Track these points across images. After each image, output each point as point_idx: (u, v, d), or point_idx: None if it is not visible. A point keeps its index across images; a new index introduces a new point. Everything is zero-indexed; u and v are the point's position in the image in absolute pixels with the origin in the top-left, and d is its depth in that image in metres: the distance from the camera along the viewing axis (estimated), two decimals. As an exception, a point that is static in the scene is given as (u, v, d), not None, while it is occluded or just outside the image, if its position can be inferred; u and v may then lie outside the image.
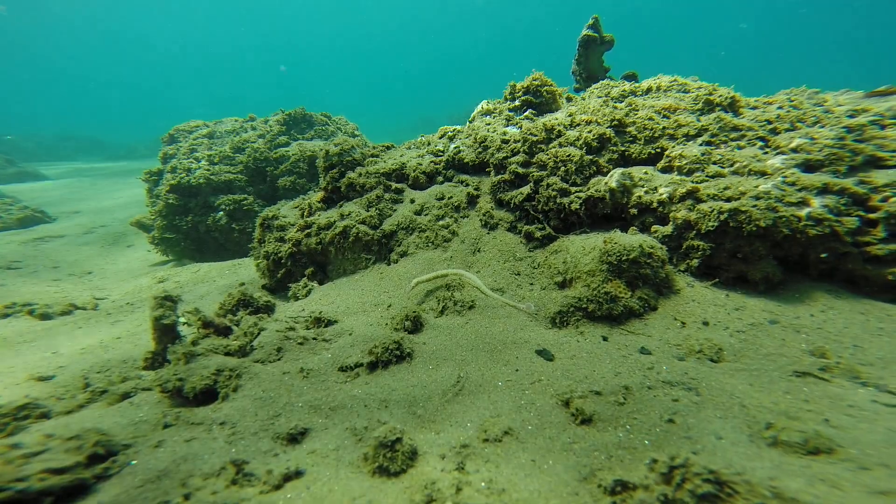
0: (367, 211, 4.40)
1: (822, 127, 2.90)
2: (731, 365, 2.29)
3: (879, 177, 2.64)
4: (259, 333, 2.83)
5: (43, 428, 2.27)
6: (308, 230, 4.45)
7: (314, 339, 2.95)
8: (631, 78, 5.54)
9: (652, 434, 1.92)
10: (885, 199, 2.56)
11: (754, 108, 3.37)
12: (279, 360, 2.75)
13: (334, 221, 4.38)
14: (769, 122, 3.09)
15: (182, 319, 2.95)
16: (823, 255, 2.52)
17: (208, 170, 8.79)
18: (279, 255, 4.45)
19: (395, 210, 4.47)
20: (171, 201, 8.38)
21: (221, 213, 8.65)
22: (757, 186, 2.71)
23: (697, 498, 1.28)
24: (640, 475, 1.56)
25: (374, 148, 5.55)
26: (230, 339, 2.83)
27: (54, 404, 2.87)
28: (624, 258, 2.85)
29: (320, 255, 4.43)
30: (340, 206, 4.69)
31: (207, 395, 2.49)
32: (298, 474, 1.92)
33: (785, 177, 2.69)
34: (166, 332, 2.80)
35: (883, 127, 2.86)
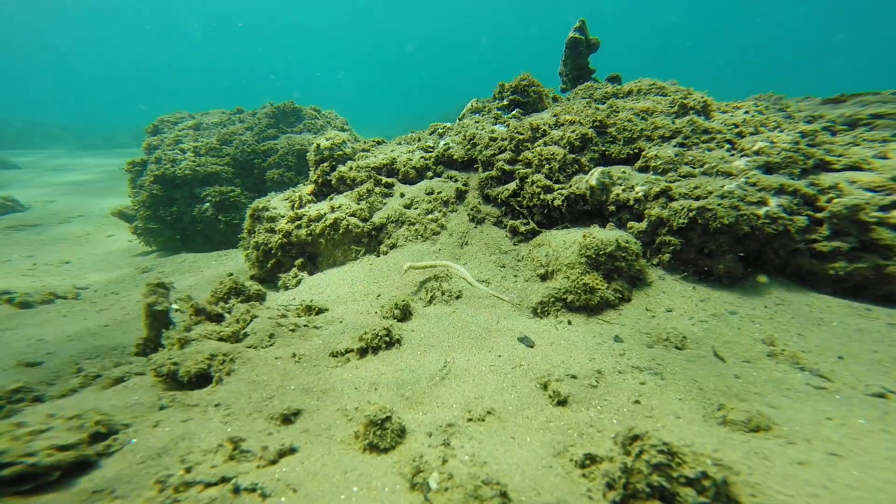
0: (358, 204, 4.50)
1: (782, 131, 3.13)
2: (693, 352, 2.49)
3: (826, 179, 2.88)
4: (252, 320, 2.92)
5: (38, 409, 2.32)
6: (298, 222, 4.52)
7: (305, 325, 3.05)
8: (615, 80, 5.74)
9: (619, 414, 2.10)
10: (829, 200, 2.79)
11: (724, 111, 3.59)
12: (271, 345, 2.84)
13: (325, 214, 4.46)
14: (736, 126, 3.31)
15: (175, 306, 3.01)
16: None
17: (194, 161, 8.71)
18: (269, 245, 4.52)
19: (385, 203, 4.57)
20: (155, 192, 8.28)
21: (207, 204, 8.59)
22: (723, 186, 2.92)
23: (652, 467, 1.44)
24: (606, 448, 1.73)
25: (364, 143, 5.63)
26: (223, 325, 2.91)
27: (46, 389, 2.91)
28: (601, 252, 3.03)
29: (310, 246, 4.50)
30: (331, 198, 4.77)
31: (202, 380, 2.58)
32: (293, 451, 2.03)
33: (747, 177, 2.91)
34: (158, 319, 2.86)
35: (833, 133, 3.10)
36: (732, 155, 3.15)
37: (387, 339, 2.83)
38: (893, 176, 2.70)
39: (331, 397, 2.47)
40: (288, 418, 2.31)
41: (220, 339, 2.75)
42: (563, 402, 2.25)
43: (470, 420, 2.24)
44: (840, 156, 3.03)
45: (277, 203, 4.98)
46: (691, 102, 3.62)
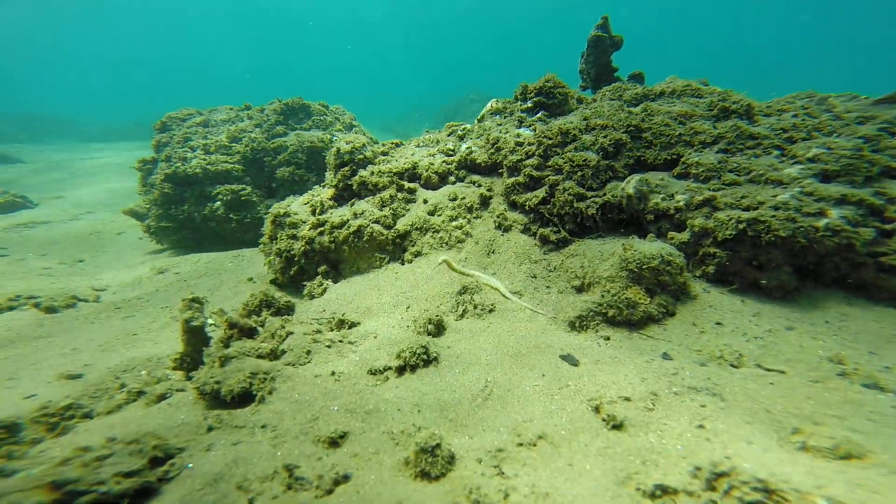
0: (381, 210, 4.40)
1: (839, 137, 3.01)
2: (751, 370, 2.41)
3: (895, 188, 2.76)
4: (287, 336, 2.85)
5: (91, 427, 2.27)
6: (321, 228, 4.43)
7: (340, 341, 2.98)
8: (637, 78, 5.59)
9: (683, 439, 2.02)
10: None
11: (768, 115, 3.46)
12: (309, 362, 2.78)
13: (348, 220, 4.37)
14: (785, 131, 3.18)
15: (210, 321, 2.95)
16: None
17: (204, 159, 8.60)
18: (292, 252, 4.44)
19: (409, 210, 4.48)
20: (166, 190, 8.19)
21: (219, 202, 8.50)
22: (775, 196, 2.81)
23: (742, 505, 1.37)
24: (682, 480, 1.66)
25: (383, 145, 5.51)
26: (258, 340, 2.84)
27: (92, 404, 2.86)
28: (644, 266, 2.93)
29: (333, 253, 4.42)
30: (352, 204, 4.68)
31: (244, 398, 2.52)
32: (346, 478, 1.97)
33: (802, 187, 2.80)
34: (195, 334, 2.79)
35: (893, 135, 2.97)
36: (782, 162, 3.04)
37: (424, 356, 2.76)
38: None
39: (375, 419, 2.41)
40: (335, 441, 2.25)
41: (259, 357, 2.68)
42: (618, 427, 2.18)
43: (520, 445, 2.17)
44: None
45: (298, 208, 4.89)
46: (733, 106, 3.49)
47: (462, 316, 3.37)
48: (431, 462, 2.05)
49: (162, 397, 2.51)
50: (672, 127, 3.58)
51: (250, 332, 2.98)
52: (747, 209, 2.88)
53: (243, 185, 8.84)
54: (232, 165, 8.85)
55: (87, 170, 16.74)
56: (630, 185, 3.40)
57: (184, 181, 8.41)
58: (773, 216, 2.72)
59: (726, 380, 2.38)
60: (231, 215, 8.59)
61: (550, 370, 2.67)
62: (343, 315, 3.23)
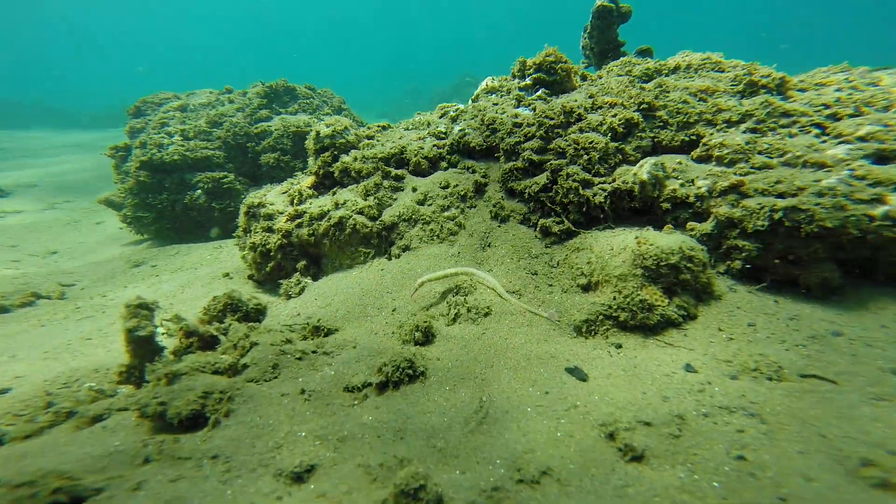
0: (365, 200, 3.98)
1: None
2: (794, 385, 2.05)
3: None
4: (251, 348, 2.46)
5: None
6: (299, 220, 4.01)
7: (314, 352, 2.60)
8: (645, 53, 5.11)
9: (720, 474, 1.67)
10: None
11: (803, 90, 3.04)
12: (276, 378, 2.40)
13: (328, 211, 3.95)
14: (827, 107, 2.77)
15: (160, 329, 2.56)
16: None
17: (182, 145, 8.08)
18: (267, 246, 4.02)
19: (396, 199, 4.05)
20: (142, 178, 7.70)
21: (199, 191, 8.03)
22: (819, 181, 2.41)
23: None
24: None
25: (368, 128, 5.05)
26: (218, 352, 2.46)
27: (8, 427, 2.48)
28: (662, 262, 2.55)
29: (313, 247, 4.01)
30: (334, 193, 4.24)
31: (195, 421, 2.15)
32: (307, 532, 1.62)
33: (852, 169, 2.40)
34: (142, 345, 2.40)
35: None
36: (824, 142, 2.63)
37: (409, 371, 2.39)
38: None
39: (350, 448, 2.04)
40: (300, 477, 1.89)
41: (217, 372, 2.30)
42: (638, 458, 1.83)
43: (521, 482, 1.82)
44: None
45: (274, 197, 4.45)
46: (762, 80, 3.06)
47: (454, 320, 2.99)
48: (414, 508, 1.69)
49: (97, 419, 2.13)
50: (691, 104, 3.16)
51: (211, 342, 2.59)
52: (783, 196, 2.48)
53: (225, 173, 8.35)
54: (212, 152, 8.34)
55: (64, 157, 16.08)
56: (643, 169, 2.99)
57: (161, 168, 7.91)
58: (818, 203, 2.33)
59: (765, 397, 2.02)
60: (213, 204, 8.13)
61: (555, 386, 2.30)
62: (319, 321, 2.84)
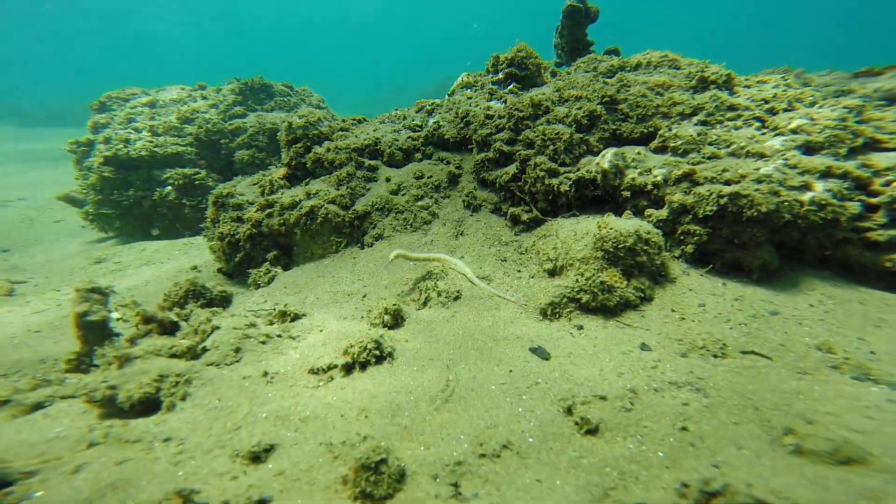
0: (338, 189, 3.97)
1: (822, 107, 2.80)
2: (736, 361, 2.18)
3: (880, 160, 2.58)
4: (213, 332, 2.43)
5: None
6: (270, 210, 3.97)
7: (279, 336, 2.58)
8: (613, 53, 5.31)
9: (665, 444, 1.76)
10: (887, 184, 2.50)
11: (748, 86, 3.24)
12: (238, 362, 2.37)
13: (300, 200, 3.93)
14: (766, 102, 2.96)
15: (115, 315, 2.48)
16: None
17: (151, 141, 7.85)
18: (236, 236, 3.96)
19: (369, 189, 4.07)
20: (105, 174, 7.43)
21: (169, 187, 7.81)
22: (758, 169, 2.57)
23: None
24: (666, 499, 1.38)
25: (343, 121, 5.04)
26: (178, 337, 2.41)
27: None
28: (620, 245, 2.66)
29: (284, 237, 3.97)
30: (306, 183, 4.22)
31: (148, 406, 2.10)
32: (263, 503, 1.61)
33: (786, 159, 2.57)
34: (93, 330, 2.33)
35: (876, 108, 2.80)
36: (764, 134, 2.81)
37: (376, 352, 2.40)
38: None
39: (312, 427, 2.04)
40: (258, 456, 1.87)
41: (174, 356, 2.25)
42: (593, 431, 1.90)
43: (483, 456, 1.86)
44: (893, 133, 2.73)
45: (245, 188, 4.38)
46: (711, 76, 3.24)
47: (424, 304, 3.02)
48: (375, 481, 1.71)
49: (37, 406, 2.05)
50: (649, 98, 3.31)
51: (171, 328, 2.53)
52: (728, 183, 2.64)
53: (197, 169, 8.16)
54: (184, 148, 8.14)
55: (19, 155, 15.30)
56: (605, 159, 3.11)
57: (127, 164, 7.65)
58: (756, 189, 2.48)
59: (710, 372, 2.13)
60: (184, 201, 7.93)
61: (519, 365, 2.36)
62: (286, 306, 2.82)
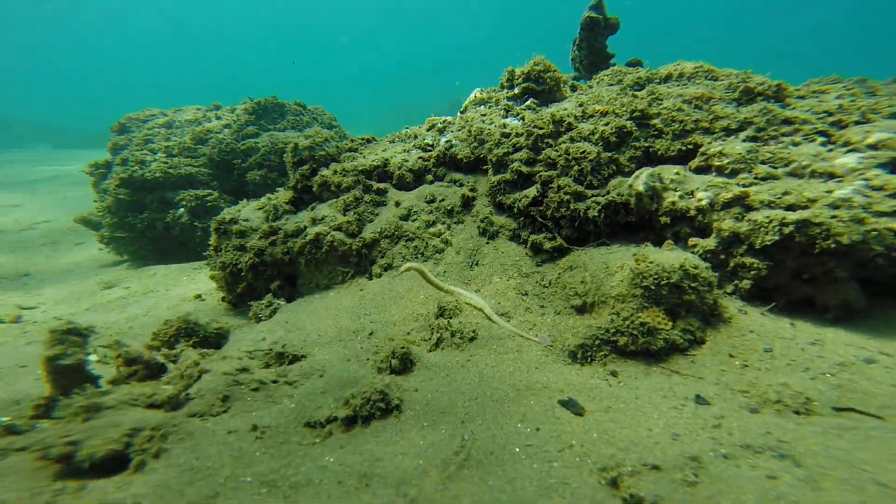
0: (344, 215, 3.74)
1: None
2: (829, 421, 1.77)
3: None
4: (200, 376, 2.15)
5: None
6: (274, 237, 3.75)
7: (274, 381, 2.29)
8: (635, 65, 5.04)
9: (748, 539, 1.37)
10: None
11: (801, 97, 2.90)
12: (225, 412, 2.08)
13: (305, 227, 3.70)
14: (829, 114, 2.61)
15: (94, 357, 2.24)
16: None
17: (166, 162, 7.88)
18: (238, 266, 3.74)
19: (378, 214, 3.82)
20: (121, 196, 7.44)
21: (182, 209, 7.78)
22: (831, 192, 2.21)
23: None
24: None
25: (352, 141, 4.87)
26: (162, 382, 2.14)
27: None
28: (663, 282, 2.30)
29: (288, 266, 3.74)
30: (312, 208, 4.01)
31: (115, 464, 1.81)
32: None
33: (867, 179, 2.20)
34: (66, 375, 2.08)
35: None
36: (831, 151, 2.45)
37: (381, 404, 2.08)
38: None
39: (303, 497, 1.72)
40: (237, 538, 1.56)
41: (151, 406, 1.98)
42: (646, 515, 1.52)
43: (507, 545, 1.50)
44: None
45: (249, 213, 4.20)
46: (758, 87, 2.91)
47: (437, 346, 2.70)
48: (374, 582, 1.37)
49: None
50: (686, 112, 2.99)
51: (158, 371, 2.27)
52: (792, 208, 2.27)
53: (210, 190, 8.13)
54: (196, 169, 8.15)
55: (49, 176, 15.84)
56: (639, 180, 2.79)
57: (142, 186, 7.67)
58: (834, 216, 2.11)
59: (794, 434, 1.73)
60: (196, 223, 7.87)
61: (547, 422, 2.01)
62: (284, 346, 2.54)
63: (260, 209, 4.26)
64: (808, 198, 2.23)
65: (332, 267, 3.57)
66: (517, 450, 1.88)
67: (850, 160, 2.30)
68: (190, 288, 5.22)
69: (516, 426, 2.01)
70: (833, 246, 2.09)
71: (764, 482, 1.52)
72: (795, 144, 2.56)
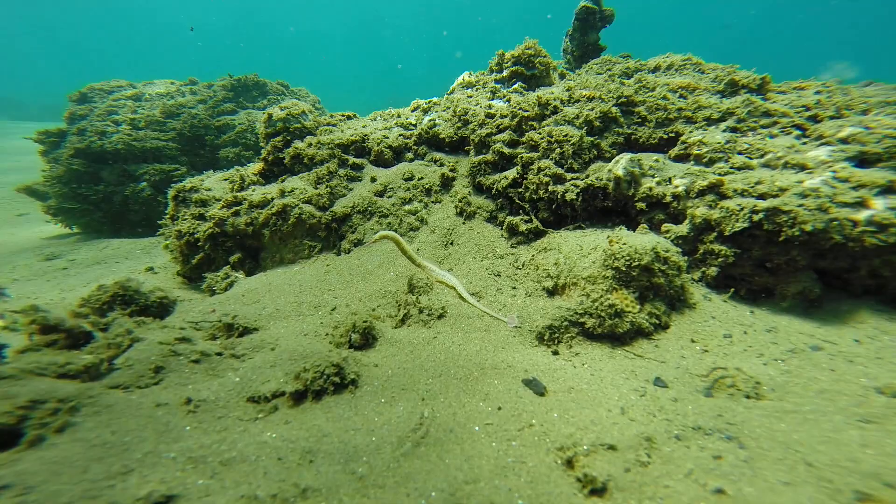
0: (316, 188, 3.56)
1: (879, 115, 2.47)
2: (774, 404, 1.75)
3: None
4: (132, 345, 1.95)
5: None
6: (237, 207, 3.53)
7: (219, 354, 2.11)
8: (626, 58, 5.05)
9: (700, 517, 1.31)
10: None
11: (782, 93, 2.92)
12: (156, 384, 1.89)
13: (272, 199, 3.50)
14: (807, 109, 2.63)
15: (1, 322, 2.00)
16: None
17: (130, 135, 7.43)
18: (196, 235, 3.50)
19: (352, 189, 3.65)
20: (74, 167, 6.96)
21: (145, 183, 7.35)
22: (801, 182, 2.21)
23: None
24: None
25: (331, 116, 4.68)
26: (84, 351, 1.92)
27: None
28: (634, 263, 2.25)
29: (251, 238, 3.52)
30: (283, 180, 3.80)
31: (7, 439, 1.60)
32: None
33: (834, 171, 2.21)
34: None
35: None
36: (805, 143, 2.46)
37: (336, 378, 1.94)
38: None
39: (234, 473, 1.57)
40: (148, 516, 1.39)
41: (65, 375, 1.77)
42: (599, 492, 1.45)
43: (458, 525, 1.40)
44: None
45: (214, 183, 3.95)
46: (743, 80, 2.92)
47: (403, 322, 2.57)
48: (307, 561, 1.23)
49: None
50: (671, 100, 2.97)
51: (84, 340, 2.05)
52: (763, 197, 2.27)
53: (177, 165, 7.72)
54: (164, 143, 7.72)
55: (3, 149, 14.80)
56: (619, 165, 2.74)
57: (100, 157, 7.20)
58: (801, 205, 2.11)
59: (743, 417, 1.71)
60: (160, 198, 7.45)
61: (510, 401, 1.91)
62: (235, 318, 2.35)
63: (225, 179, 4.02)
64: (779, 187, 2.22)
65: (298, 241, 3.38)
66: (476, 428, 1.77)
67: (822, 153, 2.32)
68: (143, 261, 4.89)
69: (478, 404, 1.91)
70: (797, 234, 2.08)
71: (710, 462, 1.49)
72: (773, 136, 2.56)
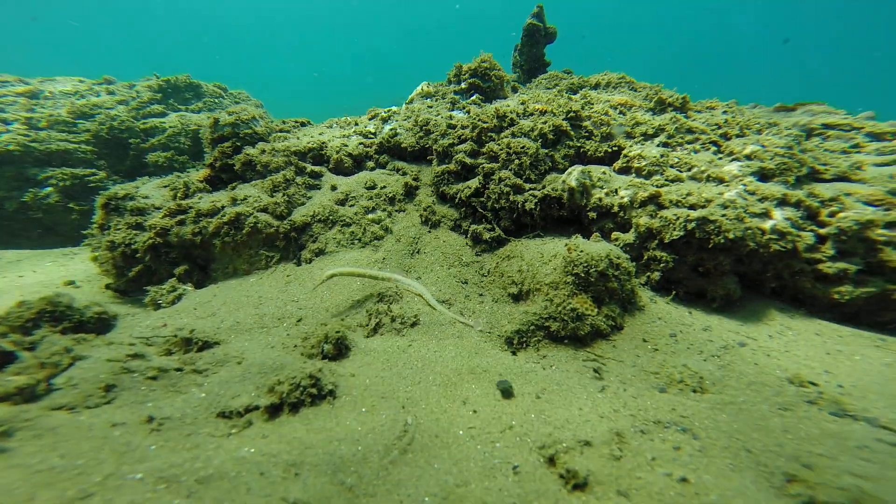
0: (272, 196, 3.41)
1: (770, 134, 2.95)
2: (716, 397, 2.02)
3: (823, 190, 2.73)
4: (73, 364, 1.73)
5: None
6: (182, 216, 3.26)
7: (178, 370, 1.94)
8: (568, 73, 5.52)
9: (666, 500, 1.47)
10: (832, 214, 2.62)
11: (699, 111, 3.39)
12: (108, 403, 1.70)
13: (222, 207, 3.29)
14: (719, 127, 3.08)
15: None
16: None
17: (27, 136, 6.55)
18: (133, 246, 3.17)
19: (311, 198, 3.55)
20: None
21: (50, 188, 6.46)
22: (721, 194, 2.59)
23: None
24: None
25: (283, 122, 4.51)
26: (8, 372, 1.67)
27: None
28: (592, 269, 2.47)
29: (200, 249, 3.27)
30: (233, 187, 3.59)
31: None
32: None
33: (745, 185, 2.62)
34: None
35: (825, 138, 3.01)
36: (721, 159, 2.89)
37: (313, 389, 1.88)
38: (891, 189, 2.61)
39: (214, 491, 1.47)
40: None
41: (-2, 404, 1.53)
42: (581, 486, 1.56)
43: (453, 526, 1.43)
44: (825, 164, 2.93)
45: (151, 190, 3.62)
46: (669, 98, 3.34)
47: (375, 331, 2.55)
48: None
49: None
50: (612, 116, 3.31)
51: (4, 359, 1.78)
52: (693, 207, 2.62)
53: (94, 170, 6.90)
54: (75, 145, 6.89)
55: None
56: (572, 176, 2.99)
57: (-10, 158, 6.21)
58: (724, 215, 2.47)
59: (692, 409, 1.95)
60: (71, 204, 6.59)
61: (488, 404, 1.99)
62: (192, 332, 2.18)
63: (165, 187, 3.70)
64: (705, 198, 2.58)
65: (254, 251, 3.21)
66: (461, 432, 1.82)
67: (734, 168, 2.74)
68: (58, 274, 4.28)
69: (459, 409, 1.96)
70: (723, 241, 2.44)
71: (672, 453, 1.67)
72: (696, 152, 2.97)
